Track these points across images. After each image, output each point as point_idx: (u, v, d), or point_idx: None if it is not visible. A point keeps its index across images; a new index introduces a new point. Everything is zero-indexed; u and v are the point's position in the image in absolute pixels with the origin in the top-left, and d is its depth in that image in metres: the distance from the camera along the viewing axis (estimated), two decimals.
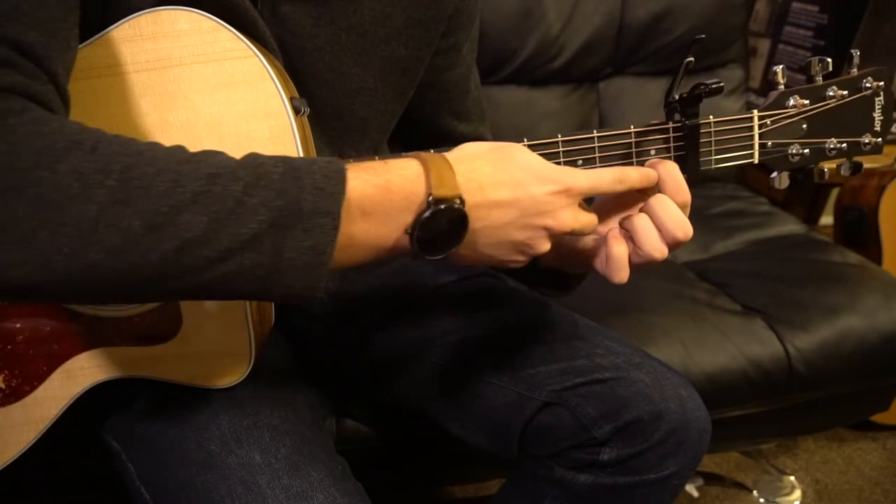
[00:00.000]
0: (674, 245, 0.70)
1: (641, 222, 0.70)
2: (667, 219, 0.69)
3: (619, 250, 0.70)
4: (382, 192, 0.59)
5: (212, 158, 0.56)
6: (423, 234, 0.60)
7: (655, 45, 1.76)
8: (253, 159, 0.57)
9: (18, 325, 0.74)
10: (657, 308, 1.36)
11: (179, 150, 0.56)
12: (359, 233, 0.59)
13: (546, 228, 0.65)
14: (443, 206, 0.60)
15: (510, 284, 1.02)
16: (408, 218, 0.60)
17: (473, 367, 0.93)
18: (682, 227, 0.70)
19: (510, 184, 0.63)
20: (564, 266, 0.81)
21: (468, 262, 0.67)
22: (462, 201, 0.61)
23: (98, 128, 0.54)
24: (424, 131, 0.98)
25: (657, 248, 0.69)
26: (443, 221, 0.60)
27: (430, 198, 0.59)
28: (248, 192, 0.54)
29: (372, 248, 0.61)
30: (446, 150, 0.66)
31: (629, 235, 0.71)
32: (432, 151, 0.66)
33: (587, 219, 0.68)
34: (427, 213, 0.59)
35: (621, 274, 0.71)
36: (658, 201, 0.70)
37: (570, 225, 0.66)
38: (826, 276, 1.47)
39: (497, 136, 0.72)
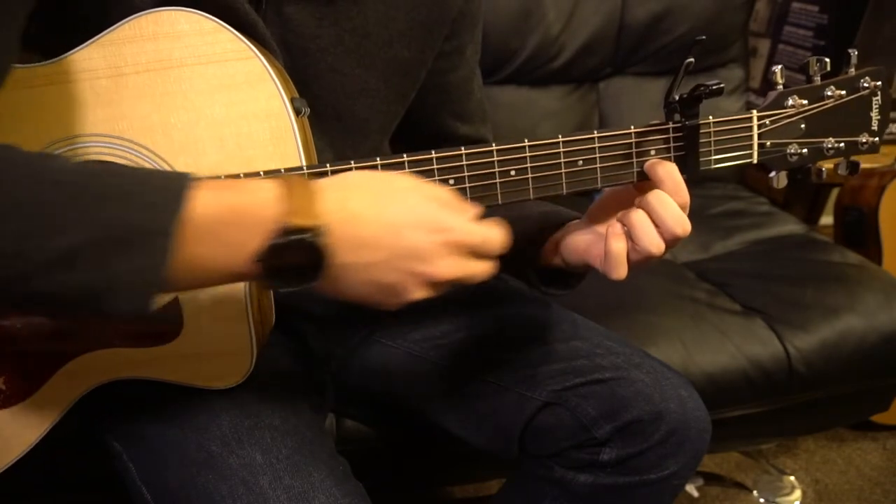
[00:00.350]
0: (672, 241, 0.71)
1: (638, 217, 0.70)
2: (665, 214, 0.70)
3: (618, 246, 0.71)
4: (230, 214, 0.55)
5: (45, 162, 0.53)
6: (272, 263, 0.56)
7: (655, 46, 1.76)
8: (87, 167, 0.54)
9: (19, 327, 0.74)
10: (657, 308, 1.36)
11: (11, 150, 0.53)
12: (202, 255, 0.55)
13: (421, 276, 0.60)
14: (297, 237, 0.55)
15: (511, 284, 1.02)
16: (257, 244, 0.55)
17: (473, 367, 0.93)
18: (681, 223, 0.70)
19: (385, 223, 0.59)
20: (564, 264, 0.82)
21: (334, 296, 0.62)
22: (322, 233, 0.56)
23: None
24: (426, 132, 0.98)
25: (654, 243, 0.70)
26: (296, 252, 0.56)
27: (283, 225, 0.55)
28: (71, 204, 0.51)
29: (218, 272, 0.57)
30: (337, 172, 0.62)
31: (627, 231, 0.71)
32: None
33: (476, 268, 0.62)
34: (277, 242, 0.55)
35: (619, 270, 0.71)
36: (656, 197, 0.70)
37: (450, 275, 0.60)
38: (826, 276, 1.47)
39: (497, 137, 0.72)
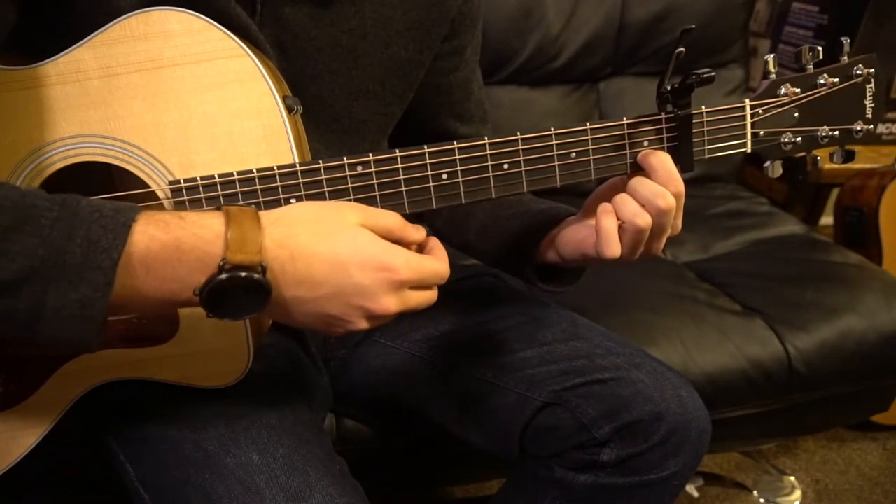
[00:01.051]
0: (657, 212, 0.72)
1: (620, 195, 0.73)
2: (644, 190, 0.72)
3: (608, 223, 0.73)
4: (170, 250, 0.56)
5: None
6: (212, 297, 0.57)
7: (655, 45, 1.76)
8: (23, 198, 0.55)
9: None
10: (657, 308, 1.36)
11: None
12: (143, 287, 0.57)
13: (366, 310, 0.62)
14: (238, 274, 0.57)
15: (510, 284, 1.02)
16: (199, 279, 0.57)
17: (473, 368, 0.92)
18: (661, 194, 0.71)
19: (329, 260, 0.60)
20: (560, 260, 0.82)
21: (282, 322, 0.64)
22: (263, 269, 0.58)
23: None
24: (426, 133, 0.98)
25: (637, 213, 0.71)
26: (236, 288, 0.57)
27: (224, 263, 0.56)
28: (7, 237, 0.53)
29: (160, 301, 0.59)
30: (278, 207, 0.64)
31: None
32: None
33: (420, 299, 0.65)
34: (218, 279, 0.57)
35: (612, 247, 0.73)
36: (635, 179, 0.73)
37: (393, 309, 0.62)
38: (826, 276, 1.47)
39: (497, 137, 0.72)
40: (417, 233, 0.67)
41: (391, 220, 0.65)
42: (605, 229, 0.73)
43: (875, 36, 1.75)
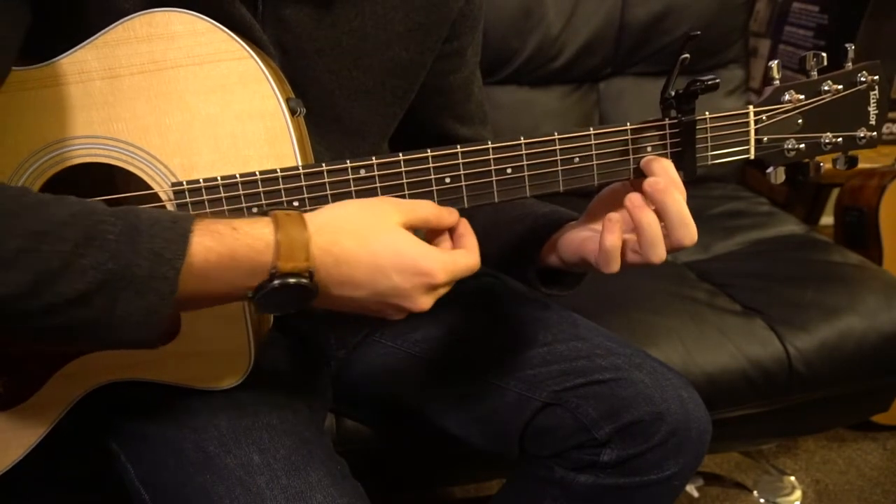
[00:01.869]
0: (676, 250, 0.71)
1: (650, 222, 0.70)
2: (678, 221, 0.70)
3: (612, 241, 0.72)
4: (226, 260, 0.60)
5: (43, 211, 0.56)
6: (263, 299, 0.62)
7: (656, 46, 1.76)
8: (89, 214, 0.57)
9: None
10: (657, 308, 1.36)
11: (11, 199, 0.56)
12: (200, 291, 0.61)
13: (402, 308, 0.66)
14: (287, 280, 0.61)
15: (511, 285, 1.02)
16: (251, 283, 0.61)
17: (473, 368, 0.93)
18: (689, 232, 0.70)
19: (371, 265, 0.64)
20: (562, 264, 0.82)
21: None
22: (311, 274, 0.62)
23: None
24: (426, 134, 0.98)
25: (658, 255, 0.71)
26: (286, 292, 0.62)
27: (275, 270, 0.61)
28: (77, 253, 0.55)
29: (213, 301, 0.64)
30: (320, 207, 0.67)
31: (631, 229, 0.72)
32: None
33: (446, 290, 0.68)
34: (271, 285, 0.61)
35: (612, 265, 0.72)
36: (673, 199, 0.70)
37: (427, 307, 0.67)
38: (826, 276, 1.47)
39: (497, 137, 0.72)
40: (451, 217, 0.71)
41: (427, 210, 0.69)
42: (608, 248, 0.72)
43: (875, 36, 1.75)
